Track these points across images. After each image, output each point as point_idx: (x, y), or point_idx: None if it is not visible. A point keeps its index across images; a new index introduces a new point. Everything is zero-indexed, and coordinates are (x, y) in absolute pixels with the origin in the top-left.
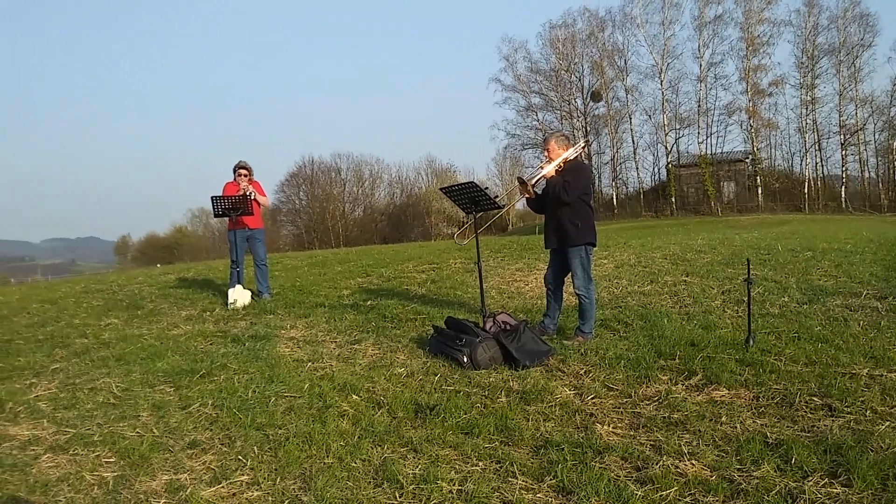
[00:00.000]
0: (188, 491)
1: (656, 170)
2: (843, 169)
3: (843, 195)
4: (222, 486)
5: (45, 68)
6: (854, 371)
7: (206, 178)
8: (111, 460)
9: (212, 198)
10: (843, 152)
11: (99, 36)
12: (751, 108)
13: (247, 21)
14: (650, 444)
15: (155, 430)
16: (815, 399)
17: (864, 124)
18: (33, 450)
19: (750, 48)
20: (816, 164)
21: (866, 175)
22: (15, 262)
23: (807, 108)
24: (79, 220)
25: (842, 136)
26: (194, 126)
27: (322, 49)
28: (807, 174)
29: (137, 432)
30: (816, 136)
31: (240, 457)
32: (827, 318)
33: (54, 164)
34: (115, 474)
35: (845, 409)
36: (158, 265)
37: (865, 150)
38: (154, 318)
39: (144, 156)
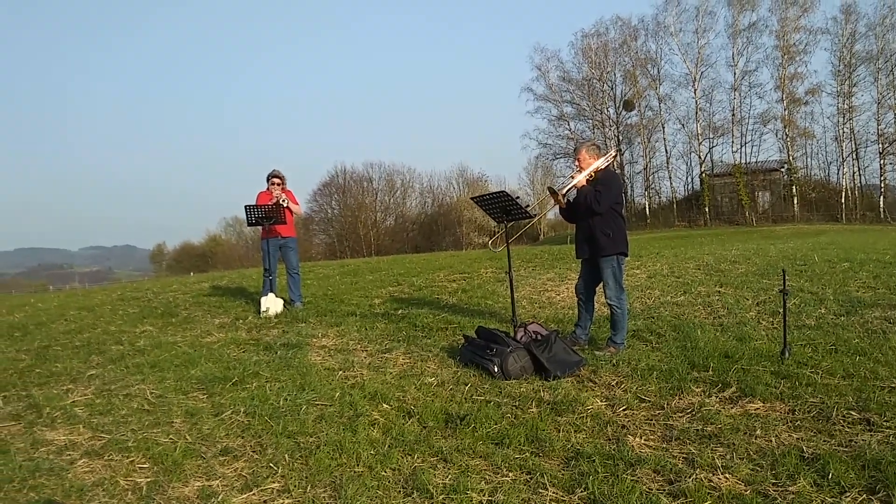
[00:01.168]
0: (220, 497)
1: (689, 179)
2: (882, 178)
3: (881, 205)
4: (253, 494)
5: (91, 77)
6: (893, 385)
7: (240, 187)
8: (145, 466)
9: (245, 207)
10: (882, 161)
11: (143, 44)
12: (786, 117)
13: (281, 34)
14: (683, 457)
15: (188, 437)
16: (853, 413)
17: None
18: (69, 455)
19: (785, 56)
20: (854, 173)
21: None
22: (54, 270)
23: (844, 117)
24: (115, 228)
25: (880, 145)
26: (228, 136)
27: (354, 61)
28: (844, 184)
29: (171, 439)
30: (854, 145)
31: (271, 464)
32: (865, 331)
33: (93, 174)
34: (149, 480)
35: (884, 423)
36: (192, 273)
37: None
38: (188, 326)
39: (181, 165)
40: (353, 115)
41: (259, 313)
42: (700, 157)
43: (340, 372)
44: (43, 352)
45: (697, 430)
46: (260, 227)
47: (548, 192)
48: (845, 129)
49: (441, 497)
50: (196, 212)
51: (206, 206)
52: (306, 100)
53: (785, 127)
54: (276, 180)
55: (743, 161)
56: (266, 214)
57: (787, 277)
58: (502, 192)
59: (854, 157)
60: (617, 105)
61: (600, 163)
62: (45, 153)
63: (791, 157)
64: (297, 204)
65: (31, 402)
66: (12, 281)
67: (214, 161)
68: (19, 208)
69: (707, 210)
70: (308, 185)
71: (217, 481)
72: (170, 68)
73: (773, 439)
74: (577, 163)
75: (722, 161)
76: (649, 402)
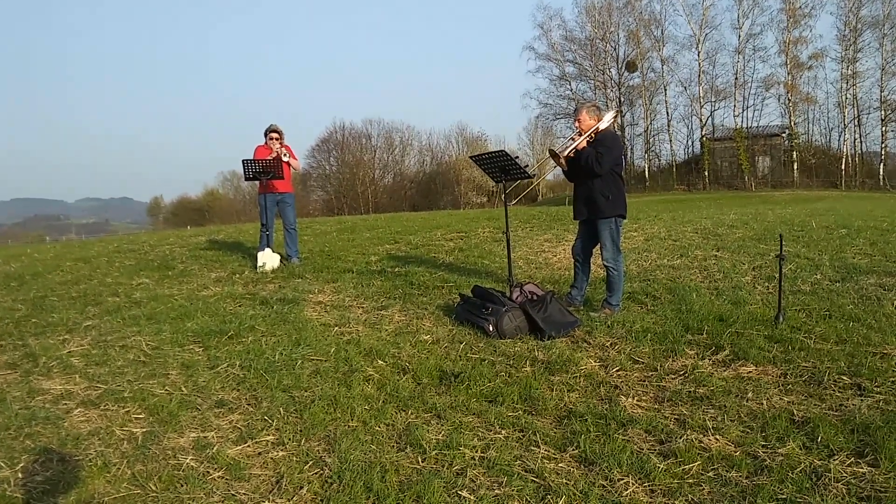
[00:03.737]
0: (215, 448)
1: (690, 143)
2: (883, 145)
3: (881, 172)
4: (248, 445)
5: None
6: (885, 351)
7: (238, 141)
8: (141, 416)
9: (243, 161)
10: (883, 128)
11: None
12: (789, 82)
13: None
14: (674, 418)
15: (183, 389)
16: (845, 378)
17: None
18: (65, 404)
19: (791, 20)
20: (855, 140)
21: None
22: (50, 221)
23: (847, 83)
24: (113, 180)
25: (882, 112)
26: (226, 89)
27: (355, 16)
28: (844, 150)
29: (166, 390)
30: (856, 112)
31: (266, 417)
32: (860, 297)
33: (91, 125)
34: (145, 430)
35: (875, 388)
36: (189, 227)
37: None
38: (184, 279)
39: (180, 118)
40: (353, 70)
41: (256, 268)
42: (701, 121)
43: (336, 328)
44: (39, 302)
45: (690, 391)
46: (257, 182)
47: (548, 154)
48: (848, 95)
49: (434, 452)
50: (194, 165)
51: (204, 160)
52: (306, 54)
53: (787, 92)
54: (274, 135)
55: (744, 125)
56: (263, 169)
57: (783, 243)
58: (501, 151)
59: (856, 123)
60: (619, 66)
61: (602, 124)
62: (42, 103)
63: (792, 123)
64: (295, 159)
65: (28, 351)
66: (8, 231)
67: (213, 115)
68: (16, 158)
69: (707, 174)
70: (306, 141)
71: (212, 433)
72: (170, 18)
73: (764, 402)
74: (577, 124)
75: (723, 125)
76: (643, 363)
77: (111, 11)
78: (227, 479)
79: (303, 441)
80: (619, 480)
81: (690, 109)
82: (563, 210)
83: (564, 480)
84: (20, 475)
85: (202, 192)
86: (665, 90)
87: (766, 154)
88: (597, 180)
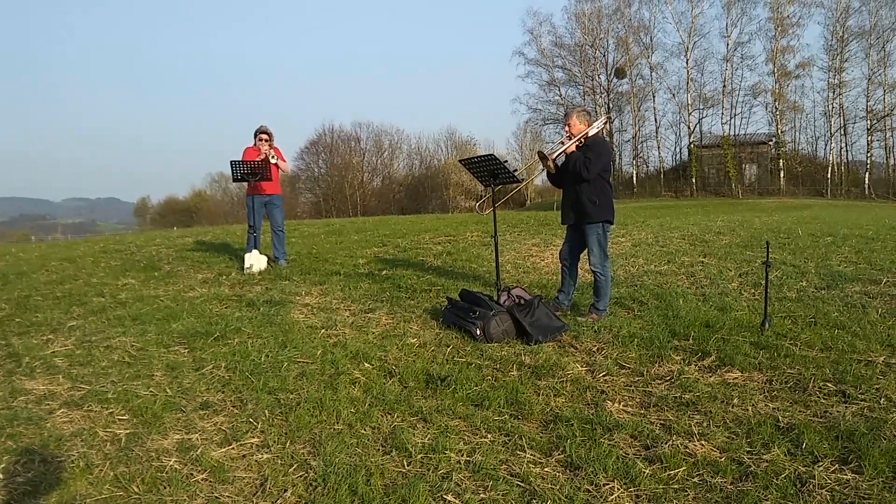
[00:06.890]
0: (199, 451)
1: (678, 149)
2: (868, 155)
3: (866, 181)
4: (232, 448)
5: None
6: (870, 358)
7: (226, 142)
8: (124, 418)
9: (231, 162)
10: (869, 138)
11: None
12: (776, 91)
13: None
14: (660, 424)
15: (168, 390)
16: (829, 385)
17: (892, 110)
18: (48, 404)
19: (779, 29)
20: (841, 148)
21: (891, 162)
22: (36, 220)
23: (834, 92)
24: (99, 180)
25: (868, 122)
26: (215, 89)
27: (346, 18)
28: (831, 159)
29: (151, 391)
30: (842, 121)
31: (251, 419)
32: (845, 305)
33: (79, 123)
34: (128, 431)
35: (859, 395)
36: (176, 228)
37: (892, 136)
38: (170, 280)
39: (167, 118)
40: (342, 72)
41: (243, 270)
42: (689, 128)
43: (323, 330)
44: (23, 301)
45: (675, 397)
46: (245, 184)
47: (537, 157)
48: (834, 104)
49: (420, 456)
50: (181, 166)
51: (192, 161)
52: (295, 55)
53: (775, 100)
54: (264, 136)
55: (731, 133)
56: (252, 170)
57: (770, 250)
58: (490, 155)
59: (842, 132)
60: (608, 72)
61: (591, 129)
62: (28, 100)
63: (780, 131)
64: (284, 161)
65: (11, 351)
66: None
67: (201, 115)
68: (1, 157)
69: (694, 181)
70: (295, 143)
71: (196, 435)
72: (160, 19)
73: (749, 408)
74: (566, 129)
75: (711, 132)
76: (629, 368)
77: (100, 8)
78: (210, 481)
79: (288, 444)
80: (604, 485)
81: (678, 116)
82: (552, 215)
83: (550, 485)
84: (1, 476)
85: (190, 193)
86: (654, 97)
87: (753, 162)
88: (585, 185)
